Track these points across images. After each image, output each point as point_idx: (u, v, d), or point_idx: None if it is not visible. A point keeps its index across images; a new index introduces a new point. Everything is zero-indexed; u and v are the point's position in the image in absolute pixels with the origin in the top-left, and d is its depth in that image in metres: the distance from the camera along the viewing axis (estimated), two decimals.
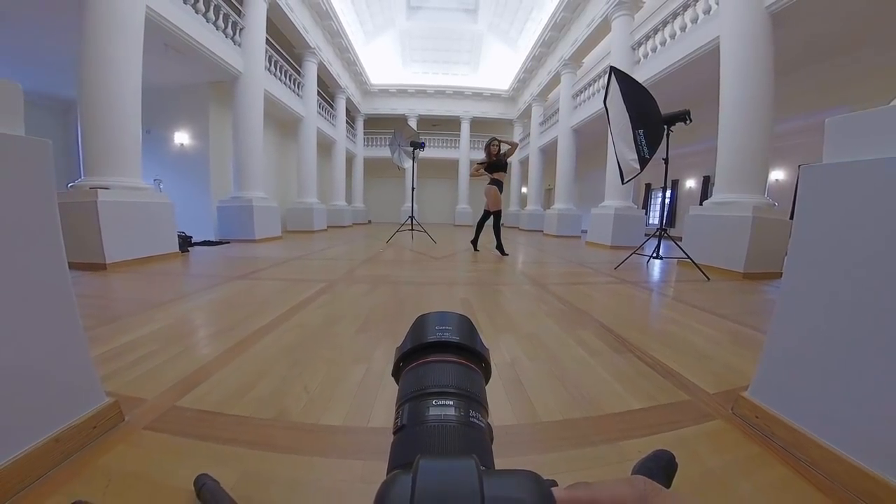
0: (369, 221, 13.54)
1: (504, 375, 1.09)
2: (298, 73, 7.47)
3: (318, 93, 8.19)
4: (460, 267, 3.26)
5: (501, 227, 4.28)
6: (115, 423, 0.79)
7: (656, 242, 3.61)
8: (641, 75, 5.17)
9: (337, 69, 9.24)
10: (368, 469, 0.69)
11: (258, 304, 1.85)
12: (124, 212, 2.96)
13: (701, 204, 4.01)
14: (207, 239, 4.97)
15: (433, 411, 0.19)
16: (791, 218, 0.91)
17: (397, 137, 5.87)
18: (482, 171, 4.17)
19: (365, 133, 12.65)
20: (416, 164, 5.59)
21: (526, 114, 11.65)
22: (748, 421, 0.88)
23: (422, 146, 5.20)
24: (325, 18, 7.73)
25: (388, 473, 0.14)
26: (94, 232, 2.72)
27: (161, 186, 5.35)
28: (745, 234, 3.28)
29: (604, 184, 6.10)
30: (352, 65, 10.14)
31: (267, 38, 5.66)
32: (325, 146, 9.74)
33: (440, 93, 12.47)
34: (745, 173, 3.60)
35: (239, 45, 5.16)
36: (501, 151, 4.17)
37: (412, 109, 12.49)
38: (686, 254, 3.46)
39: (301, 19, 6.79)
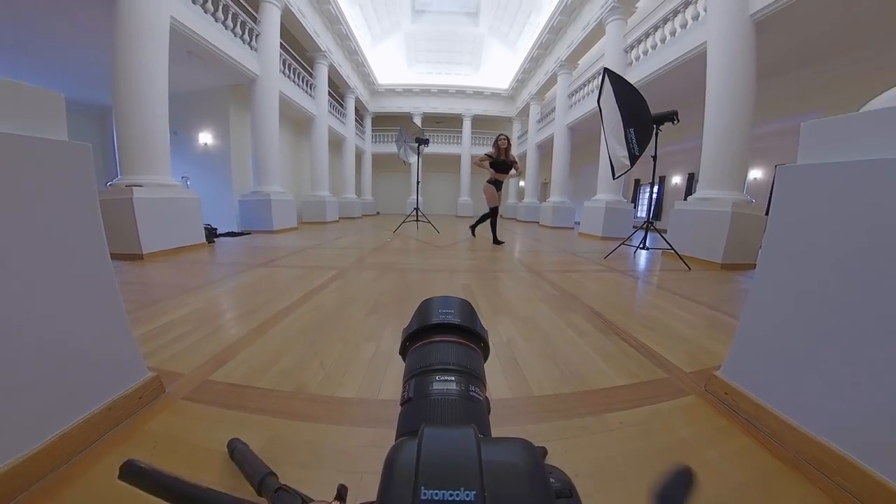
0: (378, 213, 13.51)
1: (501, 354, 1.11)
2: (310, 74, 7.37)
3: (329, 93, 8.09)
4: (462, 255, 3.28)
5: (499, 220, 4.33)
6: (157, 394, 0.83)
7: (643, 234, 3.60)
8: (633, 77, 5.06)
9: (346, 71, 9.11)
10: (379, 436, 0.72)
11: (278, 289, 1.89)
12: (157, 207, 3.00)
13: (685, 199, 3.96)
14: (231, 231, 5.01)
15: (436, 386, 0.20)
16: (766, 214, 0.92)
17: (403, 134, 5.82)
18: (486, 164, 4.10)
19: (373, 130, 12.52)
20: (420, 160, 5.56)
21: (524, 112, 11.47)
22: (718, 397, 0.91)
23: (426, 142, 5.16)
24: (335, 23, 7.59)
25: (396, 440, 0.15)
26: (131, 225, 2.77)
27: (188, 183, 5.35)
28: (724, 227, 3.27)
29: (596, 179, 6.04)
30: (360, 66, 9.98)
31: (281, 43, 5.58)
32: (336, 143, 9.67)
33: (443, 92, 12.28)
34: (727, 171, 3.57)
35: (255, 50, 5.09)
36: (511, 153, 4.13)
37: (417, 108, 12.32)
38: (670, 245, 3.46)
39: (313, 24, 6.67)
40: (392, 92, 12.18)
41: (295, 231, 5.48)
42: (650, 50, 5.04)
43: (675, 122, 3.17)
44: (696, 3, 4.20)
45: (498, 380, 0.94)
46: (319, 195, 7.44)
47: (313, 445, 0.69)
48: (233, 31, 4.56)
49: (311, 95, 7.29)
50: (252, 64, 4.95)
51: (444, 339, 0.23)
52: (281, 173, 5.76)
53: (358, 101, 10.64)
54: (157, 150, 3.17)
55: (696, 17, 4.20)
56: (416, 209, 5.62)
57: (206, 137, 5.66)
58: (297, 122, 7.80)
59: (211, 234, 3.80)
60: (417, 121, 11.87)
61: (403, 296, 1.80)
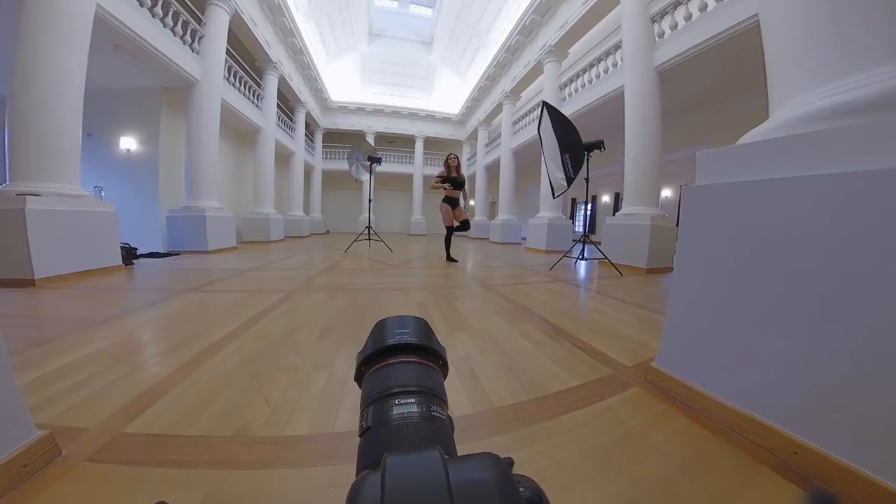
0: (327, 231, 12.89)
1: (460, 369, 1.09)
2: (259, 85, 6.95)
3: (278, 105, 7.68)
4: (416, 273, 3.22)
5: (453, 238, 4.34)
6: (50, 458, 0.66)
7: (581, 247, 3.94)
8: (568, 109, 5.62)
9: (298, 84, 8.75)
10: (338, 473, 0.65)
11: (213, 317, 1.66)
12: (58, 221, 2.50)
13: (613, 215, 4.44)
14: (155, 251, 4.38)
15: (397, 410, 0.19)
16: (677, 224, 1.06)
17: (355, 152, 5.70)
18: (443, 185, 3.99)
19: (324, 146, 12.10)
20: (373, 178, 5.47)
21: (473, 136, 12.04)
22: (656, 385, 1.00)
23: (379, 161, 5.10)
24: (289, 36, 7.32)
25: (357, 475, 0.14)
26: (21, 243, 2.26)
27: (102, 194, 4.62)
28: (645, 238, 3.72)
29: (539, 198, 6.50)
30: (313, 81, 9.67)
31: (228, 49, 5.21)
32: (284, 157, 9.15)
33: (396, 113, 12.39)
34: (644, 191, 4.08)
35: (197, 53, 4.67)
36: (460, 172, 4.06)
37: (370, 126, 12.23)
38: (604, 255, 3.82)
39: (264, 34, 6.36)
40: (345, 109, 11.97)
41: (234, 251, 4.98)
42: (581, 88, 5.71)
43: (602, 149, 3.59)
44: (615, 53, 4.88)
45: (459, 396, 0.92)
46: (263, 212, 6.87)
47: (261, 496, 0.60)
48: (172, 29, 4.14)
49: (257, 106, 6.86)
50: (192, 67, 4.52)
51: (402, 360, 0.22)
52: (220, 187, 5.25)
53: (309, 115, 10.24)
54: (63, 153, 2.65)
55: (615, 65, 4.89)
56: (369, 227, 5.46)
57: (129, 143, 4.95)
58: (240, 134, 7.24)
59: (129, 254, 3.28)
60: (370, 139, 11.77)
61: (357, 317, 1.70)
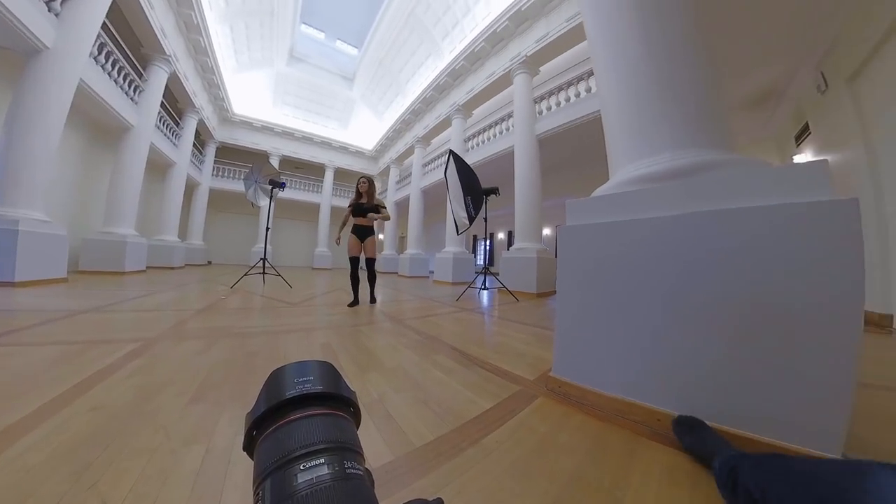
0: (209, 262, 10.66)
1: (375, 413, 0.98)
2: (140, 75, 5.63)
3: (163, 105, 6.31)
4: (319, 311, 2.84)
5: (369, 285, 3.32)
6: None
7: (483, 278, 4.27)
8: (471, 159, 6.38)
9: (195, 87, 7.43)
10: None
11: (13, 385, 1.09)
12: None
13: (508, 249, 5.04)
14: None
15: (303, 477, 0.15)
16: (556, 256, 1.29)
17: (255, 173, 5.02)
18: (350, 216, 3.20)
19: (216, 162, 10.25)
20: (273, 204, 4.87)
21: (385, 172, 12.21)
22: (556, 391, 1.11)
23: (282, 186, 4.53)
24: (194, 32, 6.29)
25: None
26: None
27: None
28: (533, 268, 4.36)
29: (445, 234, 6.88)
30: (214, 87, 8.36)
31: (106, 24, 4.12)
32: (160, 167, 7.46)
33: (308, 139, 11.63)
34: (530, 230, 4.81)
35: (56, 15, 3.55)
36: (372, 196, 3.18)
37: (276, 148, 11.09)
38: (503, 284, 4.25)
39: (161, 21, 5.30)
40: (249, 125, 10.59)
41: (60, 284, 3.64)
42: (481, 143, 6.56)
43: (497, 195, 4.11)
44: (508, 120, 5.91)
45: (376, 443, 0.82)
46: (117, 232, 5.13)
47: None
48: None
49: (132, 99, 5.50)
50: (43, 31, 3.40)
51: (305, 415, 0.19)
52: (51, 192, 3.87)
53: (203, 124, 8.70)
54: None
55: (508, 129, 5.89)
56: (264, 259, 4.66)
57: None
58: (99, 127, 5.58)
59: None
60: (275, 162, 10.64)
61: (245, 369, 1.34)
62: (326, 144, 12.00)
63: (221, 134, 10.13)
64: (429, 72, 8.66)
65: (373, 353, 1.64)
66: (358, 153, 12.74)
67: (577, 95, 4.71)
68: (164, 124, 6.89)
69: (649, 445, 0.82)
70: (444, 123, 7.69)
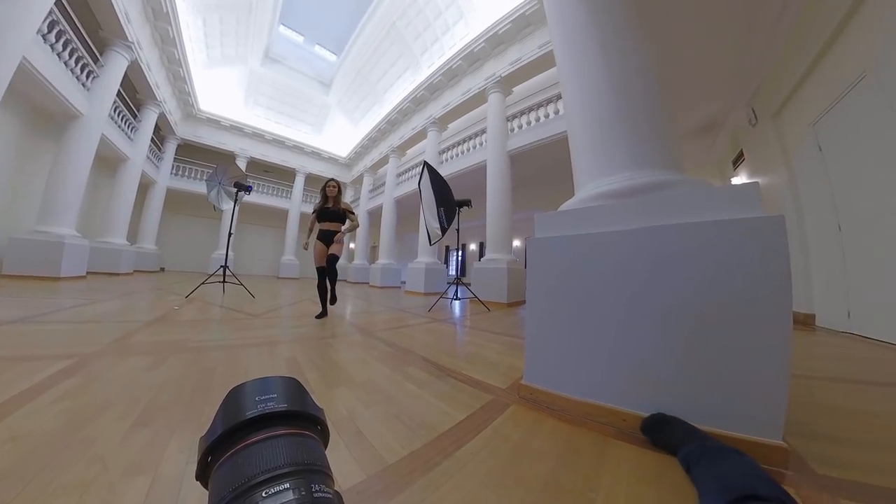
0: (162, 269, 9.75)
1: (344, 431, 0.92)
2: (96, 60, 5.13)
3: (120, 94, 5.76)
4: (285, 323, 2.66)
5: (329, 285, 3.01)
6: None
7: (455, 288, 4.28)
8: (444, 171, 6.44)
9: (157, 77, 6.86)
10: None
11: None
12: None
13: (480, 260, 5.10)
14: None
15: None
16: (525, 267, 1.33)
17: (220, 174, 4.73)
18: (315, 224, 3.05)
19: (177, 160, 9.50)
20: (237, 208, 4.58)
21: (358, 180, 12.00)
22: (527, 398, 1.13)
23: (248, 189, 4.27)
24: (162, 20, 5.86)
25: None
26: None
27: None
28: (504, 278, 4.45)
29: (417, 244, 6.86)
30: (180, 80, 7.77)
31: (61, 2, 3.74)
32: (111, 162, 6.80)
33: (279, 142, 11.14)
34: (501, 242, 4.91)
35: None
36: (339, 201, 3.03)
37: (244, 150, 10.49)
38: (474, 294, 4.27)
39: (125, 4, 4.92)
40: (216, 124, 9.93)
41: None
42: (456, 157, 6.68)
43: (470, 206, 4.19)
44: (481, 136, 6.08)
45: (346, 462, 0.77)
46: (52, 232, 4.54)
47: None
48: None
49: (84, 85, 4.98)
50: None
51: (268, 436, 0.17)
52: None
53: (164, 118, 8.03)
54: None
55: (481, 144, 6.03)
56: (225, 267, 4.33)
57: None
58: (42, 114, 4.99)
59: None
60: (242, 164, 10.08)
61: (200, 388, 1.20)
62: (298, 149, 11.61)
63: (184, 130, 9.43)
64: (406, 84, 8.75)
65: (342, 366, 1.57)
66: (331, 159, 12.45)
67: (547, 116, 4.97)
68: (119, 115, 6.33)
69: (617, 445, 0.85)
70: (420, 135, 7.76)
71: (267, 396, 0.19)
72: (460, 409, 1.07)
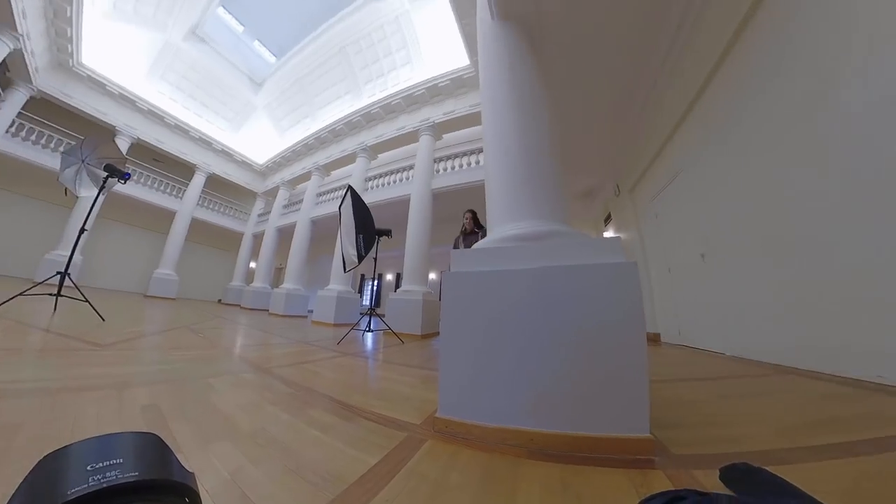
0: None
1: (224, 498, 0.73)
2: None
3: None
4: (147, 357, 1.99)
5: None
6: None
7: (368, 319, 4.05)
8: (369, 198, 6.34)
9: (27, 4, 5.01)
10: None
11: None
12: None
13: (395, 291, 5.01)
14: None
15: None
16: (440, 299, 1.37)
17: (85, 150, 3.57)
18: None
19: (21, 115, 6.76)
20: (102, 196, 3.47)
21: (272, 193, 10.73)
22: (443, 431, 1.09)
23: (125, 177, 3.31)
24: None
25: None
26: None
27: None
28: (419, 310, 4.46)
29: (330, 270, 6.34)
30: (62, 19, 5.80)
31: None
32: None
33: (182, 129, 9.17)
34: (418, 274, 5.01)
35: None
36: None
37: (131, 127, 8.23)
38: (388, 326, 4.09)
39: None
40: (98, 86, 7.58)
41: None
42: (381, 186, 6.70)
43: (390, 237, 4.16)
44: (409, 171, 6.26)
45: None
46: None
47: None
48: None
49: None
50: None
51: None
52: None
53: (20, 57, 5.79)
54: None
55: (408, 178, 6.22)
56: (65, 274, 3.08)
57: None
58: None
59: None
60: (122, 144, 7.88)
61: None
62: (206, 143, 9.81)
63: (46, 82, 6.91)
64: (345, 106, 8.57)
65: (224, 414, 1.23)
66: (243, 164, 10.91)
67: (469, 164, 5.54)
68: None
69: (528, 464, 0.88)
70: (349, 159, 7.56)
71: (107, 463, 0.14)
72: (372, 452, 0.96)
